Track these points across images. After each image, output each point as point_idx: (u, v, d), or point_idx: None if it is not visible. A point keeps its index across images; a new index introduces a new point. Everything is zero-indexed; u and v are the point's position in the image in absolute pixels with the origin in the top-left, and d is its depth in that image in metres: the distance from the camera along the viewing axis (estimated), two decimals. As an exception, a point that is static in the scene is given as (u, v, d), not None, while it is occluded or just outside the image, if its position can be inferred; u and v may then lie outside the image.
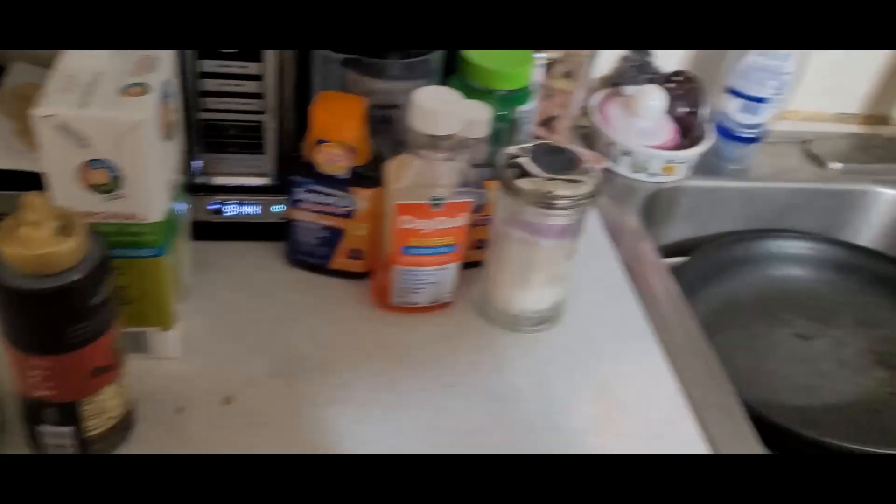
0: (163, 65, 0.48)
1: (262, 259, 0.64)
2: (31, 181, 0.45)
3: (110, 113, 0.43)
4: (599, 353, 0.61)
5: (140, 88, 0.45)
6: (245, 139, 0.62)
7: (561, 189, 0.54)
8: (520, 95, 0.63)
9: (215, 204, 0.63)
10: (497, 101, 0.62)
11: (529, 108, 0.64)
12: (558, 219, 0.56)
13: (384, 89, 0.60)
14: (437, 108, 0.52)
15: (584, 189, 0.55)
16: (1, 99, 0.68)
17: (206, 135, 0.61)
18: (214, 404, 0.52)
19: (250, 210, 0.64)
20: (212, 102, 0.60)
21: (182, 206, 0.56)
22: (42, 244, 0.39)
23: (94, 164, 0.44)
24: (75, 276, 0.40)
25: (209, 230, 0.63)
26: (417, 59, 0.59)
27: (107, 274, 0.42)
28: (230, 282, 0.61)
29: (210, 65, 0.58)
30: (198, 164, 0.63)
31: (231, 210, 0.63)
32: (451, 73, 0.64)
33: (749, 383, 0.73)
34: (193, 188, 0.63)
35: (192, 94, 0.59)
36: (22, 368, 0.42)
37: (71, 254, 0.40)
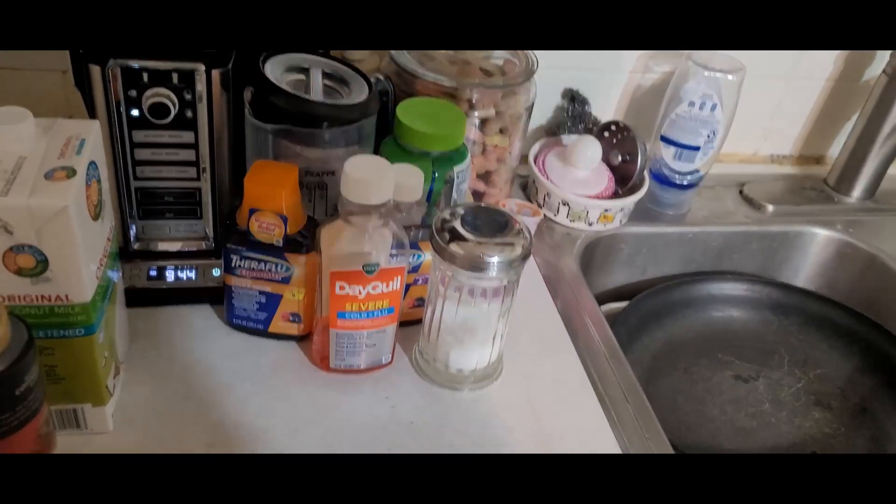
0: (89, 145, 0.48)
1: (202, 323, 0.64)
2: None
3: (32, 200, 0.43)
4: (538, 408, 0.62)
5: (64, 172, 0.45)
6: (182, 205, 0.62)
7: (492, 252, 0.55)
8: (454, 156, 0.64)
9: (153, 270, 0.63)
10: (432, 163, 0.63)
11: (465, 167, 0.65)
12: (491, 281, 0.57)
13: (317, 156, 0.61)
14: (368, 177, 0.53)
15: (515, 252, 0.56)
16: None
17: (143, 202, 0.62)
18: (149, 480, 0.51)
19: (188, 275, 0.64)
20: (147, 171, 0.60)
21: (116, 275, 0.56)
22: (-39, 338, 0.39)
23: (17, 249, 0.44)
24: (0, 367, 0.40)
25: (147, 296, 0.63)
26: (349, 125, 0.60)
27: (31, 362, 0.42)
28: (168, 349, 0.61)
29: (143, 135, 0.58)
30: (134, 231, 0.63)
31: (169, 275, 0.63)
32: (385, 136, 0.65)
33: (690, 428, 0.74)
34: (130, 255, 0.63)
35: (126, 163, 0.59)
36: (-56, 460, 0.42)
37: (-8, 345, 0.40)
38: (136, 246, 0.63)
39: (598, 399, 0.64)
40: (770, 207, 0.92)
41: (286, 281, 0.59)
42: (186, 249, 0.64)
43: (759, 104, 0.95)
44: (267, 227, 0.57)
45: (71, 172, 0.45)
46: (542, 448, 0.58)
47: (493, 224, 0.58)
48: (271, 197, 0.56)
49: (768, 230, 0.91)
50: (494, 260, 0.55)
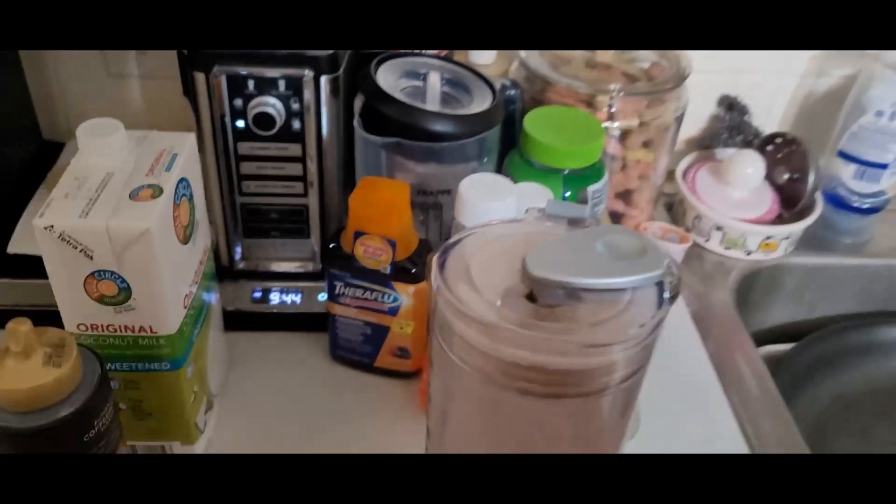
0: (181, 160, 0.44)
1: (304, 353, 0.59)
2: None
3: (112, 222, 0.39)
4: (681, 475, 0.52)
5: (151, 191, 0.41)
6: (288, 223, 0.58)
7: (632, 291, 0.47)
8: (589, 174, 0.56)
9: (258, 292, 0.59)
10: (563, 181, 0.55)
11: (601, 186, 0.57)
12: (629, 324, 0.48)
13: (432, 173, 0.54)
14: (485, 200, 0.46)
15: (659, 291, 0.47)
16: (56, 176, 0.67)
17: (248, 219, 0.58)
18: (235, 530, 0.47)
19: (293, 299, 0.59)
20: (252, 186, 0.56)
21: (212, 297, 0.51)
22: (28, 377, 0.35)
23: (99, 275, 0.41)
24: (66, 412, 0.36)
25: (249, 320, 0.59)
26: (467, 139, 0.53)
27: (104, 403, 0.38)
28: (266, 380, 0.56)
29: (248, 147, 0.54)
30: (239, 250, 0.59)
31: (274, 299, 0.59)
32: (510, 150, 0.58)
33: (868, 503, 0.62)
34: (235, 275, 0.59)
35: (231, 177, 0.55)
36: None
37: (60, 386, 0.36)
38: (240, 265, 0.60)
39: (756, 467, 0.53)
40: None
41: (394, 312, 0.53)
42: (293, 270, 0.60)
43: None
44: (373, 252, 0.51)
45: (157, 191, 0.41)
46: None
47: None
48: (378, 219, 0.50)
49: (971, 265, 0.76)
50: (635, 301, 0.46)
